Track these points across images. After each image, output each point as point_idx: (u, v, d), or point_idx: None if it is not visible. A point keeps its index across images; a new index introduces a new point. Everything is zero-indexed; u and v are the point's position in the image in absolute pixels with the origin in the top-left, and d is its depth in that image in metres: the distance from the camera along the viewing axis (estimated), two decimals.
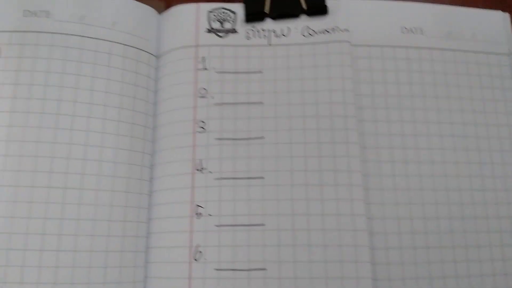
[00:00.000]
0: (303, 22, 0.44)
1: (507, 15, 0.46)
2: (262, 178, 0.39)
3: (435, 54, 0.44)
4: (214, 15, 0.44)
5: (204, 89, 0.42)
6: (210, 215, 0.38)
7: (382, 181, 0.40)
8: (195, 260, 0.38)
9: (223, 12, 0.44)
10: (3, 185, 0.36)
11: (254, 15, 0.44)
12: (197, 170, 0.40)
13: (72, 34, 0.40)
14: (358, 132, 0.40)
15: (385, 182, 0.40)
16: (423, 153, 0.41)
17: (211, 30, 0.43)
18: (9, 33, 0.39)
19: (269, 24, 0.44)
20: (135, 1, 0.43)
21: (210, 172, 0.39)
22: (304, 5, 0.43)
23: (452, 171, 0.41)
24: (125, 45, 0.41)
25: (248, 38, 0.43)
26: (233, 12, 0.44)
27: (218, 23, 0.43)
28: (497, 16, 0.46)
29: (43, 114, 0.38)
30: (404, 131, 0.41)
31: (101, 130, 0.39)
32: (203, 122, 0.41)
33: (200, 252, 0.38)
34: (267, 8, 0.44)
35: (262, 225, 0.38)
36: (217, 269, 0.37)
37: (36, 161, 0.37)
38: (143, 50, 0.42)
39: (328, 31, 0.43)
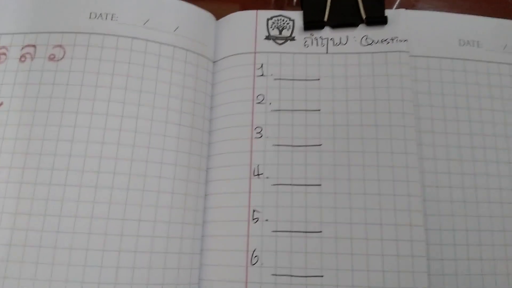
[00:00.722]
0: (362, 31, 0.44)
1: None
2: (319, 185, 0.39)
3: (491, 67, 0.43)
4: (273, 22, 0.44)
5: (262, 95, 0.42)
6: (267, 220, 0.39)
7: (439, 192, 0.40)
8: (252, 264, 0.38)
9: (282, 20, 0.44)
10: (71, 184, 0.37)
11: (313, 23, 0.44)
12: (254, 175, 0.40)
13: (136, 38, 0.41)
14: (416, 142, 0.40)
15: (442, 194, 0.40)
16: (479, 165, 0.41)
17: (269, 37, 0.44)
18: (75, 34, 0.40)
19: (327, 32, 0.44)
20: (196, 6, 0.43)
21: (267, 177, 0.40)
22: (363, 15, 0.43)
23: (508, 184, 0.40)
24: (187, 50, 0.42)
25: (306, 45, 0.44)
26: (292, 20, 0.44)
27: (277, 30, 0.44)
28: None
29: (107, 115, 0.38)
30: (460, 143, 0.41)
31: (163, 133, 0.39)
32: (260, 128, 0.41)
33: (257, 256, 0.38)
34: (326, 17, 0.44)
35: (319, 232, 0.38)
36: (273, 274, 0.38)
37: (99, 162, 0.38)
38: (203, 55, 0.43)
39: (387, 41, 0.43)
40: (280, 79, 0.42)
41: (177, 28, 0.42)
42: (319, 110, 0.41)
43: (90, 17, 0.41)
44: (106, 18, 0.41)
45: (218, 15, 0.45)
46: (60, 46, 0.40)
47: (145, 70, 0.40)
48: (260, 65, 0.43)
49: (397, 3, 0.48)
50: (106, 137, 0.38)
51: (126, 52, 0.40)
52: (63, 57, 0.39)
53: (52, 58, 0.39)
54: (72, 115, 0.38)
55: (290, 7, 0.48)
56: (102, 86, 0.39)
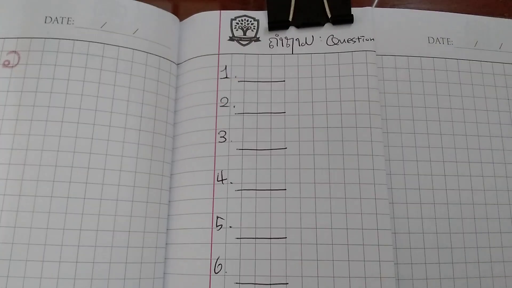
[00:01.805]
0: (328, 30, 0.43)
1: None
2: (284, 190, 0.38)
3: (461, 64, 0.42)
4: (237, 23, 0.43)
5: (226, 98, 0.41)
6: (231, 227, 0.38)
7: (407, 195, 0.39)
8: (216, 273, 0.37)
9: (246, 20, 0.43)
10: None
11: (277, 23, 0.43)
12: (218, 180, 0.39)
13: (93, 41, 0.40)
14: (383, 145, 0.39)
15: (410, 196, 0.39)
16: (449, 166, 0.40)
17: (233, 38, 0.43)
18: (29, 39, 0.39)
19: (292, 32, 0.43)
20: (157, 8, 0.42)
21: (231, 183, 0.39)
22: (329, 14, 0.42)
23: (480, 185, 0.39)
24: (147, 52, 0.41)
25: (271, 46, 0.43)
26: (256, 20, 0.43)
27: (241, 31, 0.43)
28: None
29: (63, 122, 0.37)
30: (430, 144, 0.40)
31: (121, 140, 0.38)
32: (224, 131, 0.40)
33: (220, 264, 0.37)
34: (291, 16, 0.43)
35: (284, 238, 0.37)
36: (237, 283, 0.36)
37: (54, 170, 0.36)
38: (165, 58, 0.42)
39: (353, 40, 0.42)
40: (244, 81, 0.41)
41: (136, 30, 0.41)
42: (284, 112, 0.40)
43: (45, 22, 0.39)
44: (62, 22, 0.39)
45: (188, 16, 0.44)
46: (14, 52, 0.39)
47: (102, 75, 0.39)
48: (224, 67, 0.41)
49: (375, 2, 0.47)
50: (61, 145, 0.37)
51: (82, 57, 0.39)
52: (17, 63, 0.38)
53: (6, 64, 0.38)
54: (27, 123, 0.37)
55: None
56: (57, 92, 0.38)
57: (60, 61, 0.39)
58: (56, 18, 0.40)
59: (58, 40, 0.39)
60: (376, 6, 0.45)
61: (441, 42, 0.43)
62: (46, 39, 0.39)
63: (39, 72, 0.38)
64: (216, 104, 0.41)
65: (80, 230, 0.36)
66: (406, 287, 0.37)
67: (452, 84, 0.42)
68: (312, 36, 0.42)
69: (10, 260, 0.34)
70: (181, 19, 0.44)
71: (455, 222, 0.38)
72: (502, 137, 0.41)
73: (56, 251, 0.35)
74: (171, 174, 0.40)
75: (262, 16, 0.43)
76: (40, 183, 0.36)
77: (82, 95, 0.38)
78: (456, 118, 0.41)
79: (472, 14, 0.44)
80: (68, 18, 0.40)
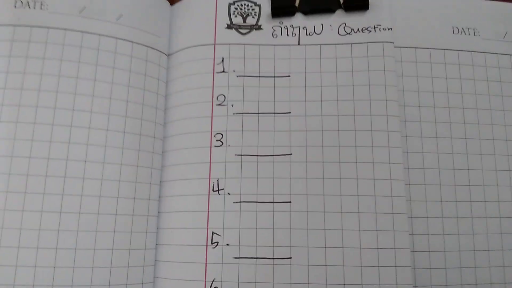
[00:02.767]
0: (339, 18, 0.38)
1: None
2: (289, 202, 0.34)
3: (489, 58, 0.38)
4: (236, 8, 0.39)
5: (223, 95, 0.36)
6: (228, 245, 0.34)
7: (428, 207, 0.35)
8: None
9: (246, 5, 0.39)
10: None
11: (282, 9, 0.38)
12: (214, 191, 0.35)
13: (70, 29, 0.35)
14: (402, 150, 0.35)
15: (431, 208, 0.35)
16: (474, 174, 0.36)
17: (231, 26, 0.38)
18: None
19: (299, 20, 0.38)
20: None
21: (228, 194, 0.35)
22: None
23: (505, 181, 0.36)
24: (132, 42, 0.36)
25: (274, 36, 0.38)
26: (258, 5, 0.39)
27: (240, 17, 0.38)
28: None
29: (35, 124, 0.33)
30: (454, 150, 0.36)
31: (103, 143, 0.34)
32: (220, 134, 0.36)
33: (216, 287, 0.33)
34: (297, 2, 0.38)
35: (289, 258, 0.33)
36: None
37: (26, 179, 0.32)
38: (153, 48, 0.37)
39: (368, 30, 0.38)
40: (244, 76, 0.37)
41: (120, 16, 0.36)
42: (289, 113, 0.36)
43: (15, 6, 0.35)
44: (34, 7, 0.35)
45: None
46: None
47: (80, 68, 0.34)
48: (221, 60, 0.37)
49: None
50: (33, 151, 0.32)
51: (57, 47, 0.34)
52: None
53: None
54: None
55: None
56: (28, 89, 0.33)
57: (32, 52, 0.34)
58: (28, 1, 0.35)
59: (30, 28, 0.34)
60: None
61: (467, 33, 0.39)
62: (16, 27, 0.34)
63: (8, 65, 0.34)
64: (212, 102, 0.37)
65: (56, 248, 0.31)
66: None
67: (478, 81, 0.38)
68: (322, 25, 0.38)
69: None
70: (172, 3, 0.40)
71: (479, 222, 0.35)
72: None
73: (32, 254, 0.31)
74: (160, 182, 0.36)
75: (264, 1, 0.39)
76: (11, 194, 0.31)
77: (57, 92, 0.34)
78: (482, 120, 0.37)
79: (502, 1, 0.40)
80: (42, 2, 0.35)
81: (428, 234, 0.35)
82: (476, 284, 0.34)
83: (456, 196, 0.35)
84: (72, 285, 0.31)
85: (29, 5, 0.35)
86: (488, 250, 0.35)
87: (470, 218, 0.35)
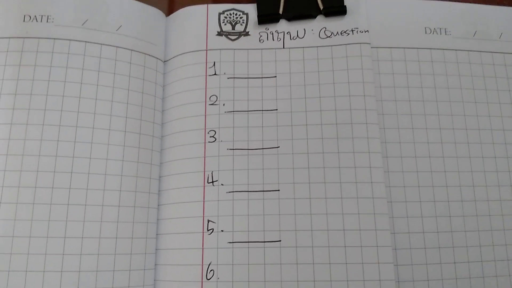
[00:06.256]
0: (320, 23, 0.41)
1: None
2: (277, 191, 0.36)
3: (460, 55, 0.41)
4: (225, 17, 0.41)
5: (215, 96, 0.39)
6: (223, 231, 0.36)
7: (406, 193, 0.37)
8: (207, 279, 0.35)
9: (235, 14, 0.41)
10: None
11: (267, 16, 0.41)
12: (208, 182, 0.37)
13: (74, 40, 0.38)
14: (380, 141, 0.38)
15: (409, 194, 0.37)
16: (449, 161, 0.38)
17: (222, 33, 0.41)
18: (7, 39, 0.37)
19: (283, 25, 0.41)
20: (141, 3, 0.40)
21: (222, 184, 0.37)
22: (321, 5, 0.41)
23: (481, 181, 0.38)
24: (131, 50, 0.39)
25: (261, 41, 0.41)
26: (245, 14, 0.41)
27: (230, 25, 0.41)
28: None
29: (44, 125, 0.35)
30: (429, 139, 0.38)
31: (106, 142, 0.36)
32: (214, 131, 0.38)
33: (213, 270, 0.35)
34: (281, 9, 0.41)
35: (279, 241, 0.35)
36: None
37: (36, 176, 0.35)
38: (150, 55, 0.40)
39: (347, 33, 0.40)
40: (234, 77, 0.40)
41: (119, 27, 0.39)
42: (276, 110, 0.39)
43: (24, 20, 0.38)
44: (41, 21, 0.38)
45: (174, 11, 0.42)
46: None
47: (84, 74, 0.37)
48: (213, 64, 0.40)
49: None
50: (43, 149, 0.35)
51: (63, 56, 0.37)
52: None
53: None
54: (6, 127, 0.35)
55: None
56: (37, 94, 0.36)
57: (40, 61, 0.37)
58: (35, 16, 0.38)
59: (38, 39, 0.37)
60: None
61: (439, 32, 0.41)
62: (25, 39, 0.37)
63: (18, 73, 0.36)
64: (205, 102, 0.39)
65: (65, 238, 0.34)
66: None
67: (450, 76, 0.40)
68: (304, 29, 0.41)
69: None
70: (167, 14, 0.42)
71: (456, 220, 0.37)
72: (504, 130, 0.39)
73: (40, 260, 0.34)
74: (159, 177, 0.38)
75: (251, 9, 0.42)
76: (22, 189, 0.34)
77: (63, 96, 0.36)
78: (455, 112, 0.39)
79: (470, 3, 0.43)
80: (48, 16, 0.38)
81: (407, 217, 0.37)
82: (455, 262, 0.36)
83: (432, 182, 0.38)
84: None
85: (36, 19, 0.38)
86: (465, 231, 0.37)
87: (446, 202, 0.37)
